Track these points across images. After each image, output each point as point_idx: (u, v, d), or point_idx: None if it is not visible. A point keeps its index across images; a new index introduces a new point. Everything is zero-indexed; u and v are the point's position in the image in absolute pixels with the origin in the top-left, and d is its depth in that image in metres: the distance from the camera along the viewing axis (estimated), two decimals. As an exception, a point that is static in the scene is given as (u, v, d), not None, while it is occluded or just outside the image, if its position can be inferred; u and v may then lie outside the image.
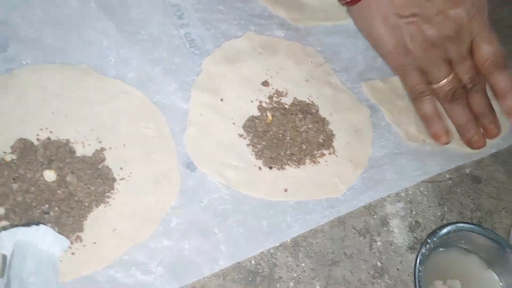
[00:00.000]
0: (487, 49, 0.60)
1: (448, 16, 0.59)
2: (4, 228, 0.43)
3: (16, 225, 0.43)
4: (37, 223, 0.40)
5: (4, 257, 0.39)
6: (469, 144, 0.63)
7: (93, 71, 0.55)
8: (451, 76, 0.60)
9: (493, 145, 0.66)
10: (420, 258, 0.52)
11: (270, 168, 0.55)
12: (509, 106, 0.61)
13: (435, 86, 0.61)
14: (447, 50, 0.60)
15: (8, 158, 0.46)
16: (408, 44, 0.60)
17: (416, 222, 0.57)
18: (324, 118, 0.60)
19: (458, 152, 0.64)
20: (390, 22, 0.60)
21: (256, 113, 0.58)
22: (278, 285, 0.49)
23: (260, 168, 0.55)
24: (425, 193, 0.60)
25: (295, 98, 0.61)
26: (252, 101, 0.59)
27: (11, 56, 0.53)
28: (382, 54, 0.65)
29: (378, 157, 0.60)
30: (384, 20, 0.61)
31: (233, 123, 0.57)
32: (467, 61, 0.61)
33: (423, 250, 0.52)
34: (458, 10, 0.59)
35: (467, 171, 0.64)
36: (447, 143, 0.62)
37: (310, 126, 0.57)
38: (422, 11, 0.59)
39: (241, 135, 0.56)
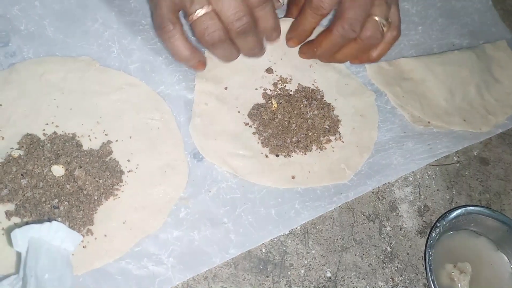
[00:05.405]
0: None
1: None
2: (17, 226, 0.43)
3: (27, 222, 0.43)
4: (49, 220, 0.40)
5: (19, 254, 0.39)
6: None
7: (96, 63, 0.55)
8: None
9: (499, 126, 0.66)
10: (430, 242, 0.52)
11: (277, 155, 0.55)
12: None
13: (191, 17, 0.49)
14: None
15: (16, 154, 0.46)
16: None
17: (425, 206, 0.57)
18: (330, 104, 0.59)
19: (464, 133, 0.63)
20: None
21: (261, 100, 0.58)
22: (289, 273, 0.49)
23: (266, 156, 0.54)
24: (433, 176, 0.60)
25: (299, 84, 0.60)
26: (256, 89, 0.59)
27: (13, 51, 0.53)
28: None
29: (384, 141, 0.60)
30: None
31: (238, 112, 0.57)
32: None
33: (433, 234, 0.52)
34: None
35: (475, 153, 0.63)
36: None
37: (316, 112, 0.56)
38: None
39: (246, 124, 0.56)
